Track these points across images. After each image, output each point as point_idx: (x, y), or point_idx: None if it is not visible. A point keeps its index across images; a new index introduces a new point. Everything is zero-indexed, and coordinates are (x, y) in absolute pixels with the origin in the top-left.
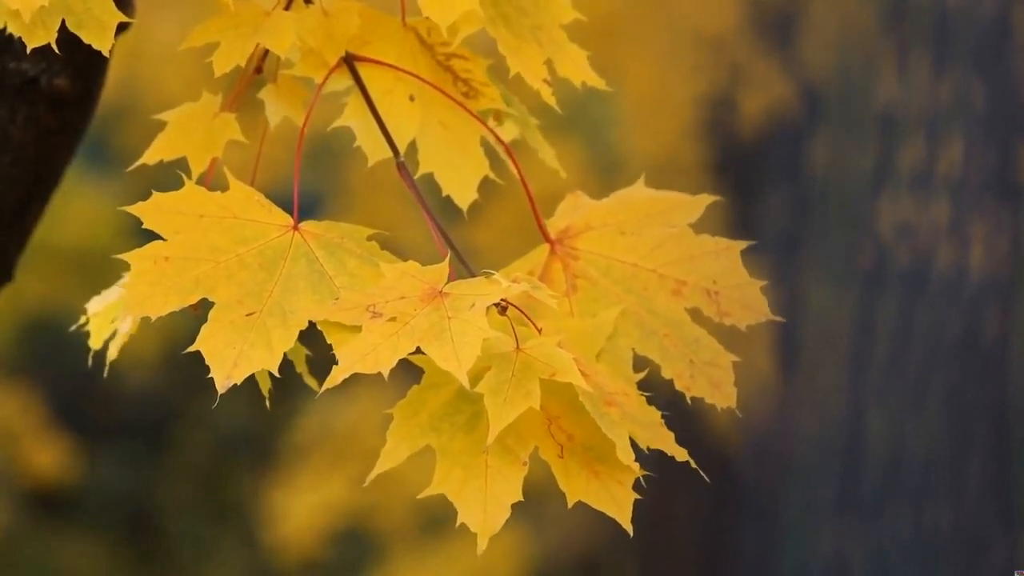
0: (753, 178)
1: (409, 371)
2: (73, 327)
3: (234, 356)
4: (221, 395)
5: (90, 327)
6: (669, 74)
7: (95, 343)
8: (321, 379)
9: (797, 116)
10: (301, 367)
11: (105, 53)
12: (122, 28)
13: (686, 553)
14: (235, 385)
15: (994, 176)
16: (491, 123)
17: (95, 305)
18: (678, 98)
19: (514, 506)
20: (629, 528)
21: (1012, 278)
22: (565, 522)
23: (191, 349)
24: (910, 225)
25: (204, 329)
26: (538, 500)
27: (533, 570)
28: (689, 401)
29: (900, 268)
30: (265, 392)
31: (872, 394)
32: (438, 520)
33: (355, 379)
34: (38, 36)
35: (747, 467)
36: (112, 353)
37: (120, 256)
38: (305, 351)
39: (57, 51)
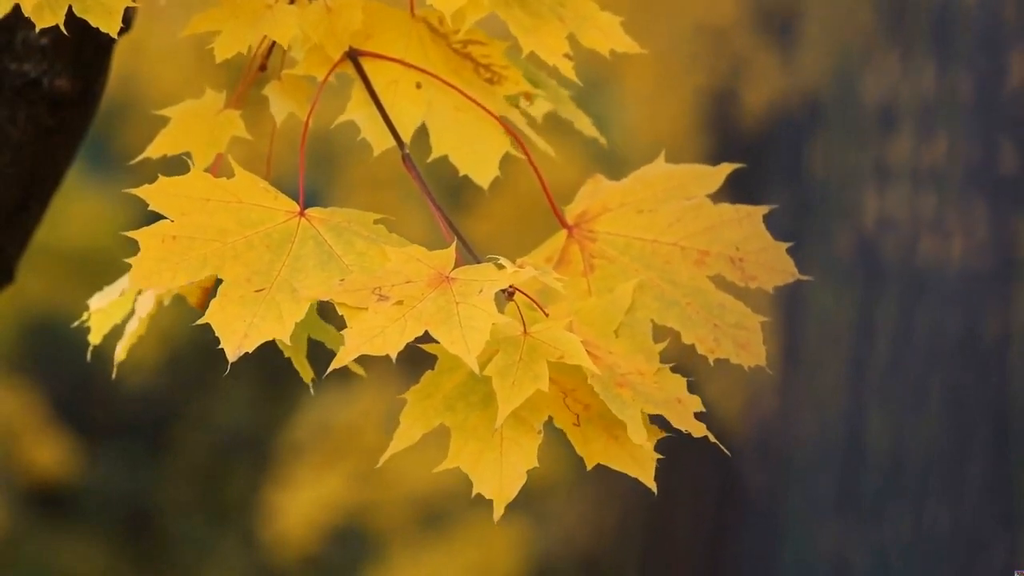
0: (754, 176)
1: (410, 369)
2: (75, 324)
3: (244, 328)
4: (225, 389)
5: (91, 323)
6: (670, 68)
7: (95, 338)
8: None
9: (798, 113)
10: (336, 347)
11: (114, 35)
12: (126, 27)
13: (686, 552)
14: (237, 382)
15: (995, 175)
16: (523, 104)
17: (97, 301)
18: (679, 94)
19: (514, 503)
20: (653, 486)
21: (1012, 277)
22: (565, 519)
23: (200, 322)
24: (911, 224)
25: (213, 304)
26: (538, 498)
27: (533, 567)
28: (712, 363)
29: (901, 267)
30: (307, 380)
31: (872, 394)
32: (437, 517)
33: (355, 376)
34: (46, 18)
35: (747, 467)
36: (120, 354)
37: (128, 233)
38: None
39: (65, 32)
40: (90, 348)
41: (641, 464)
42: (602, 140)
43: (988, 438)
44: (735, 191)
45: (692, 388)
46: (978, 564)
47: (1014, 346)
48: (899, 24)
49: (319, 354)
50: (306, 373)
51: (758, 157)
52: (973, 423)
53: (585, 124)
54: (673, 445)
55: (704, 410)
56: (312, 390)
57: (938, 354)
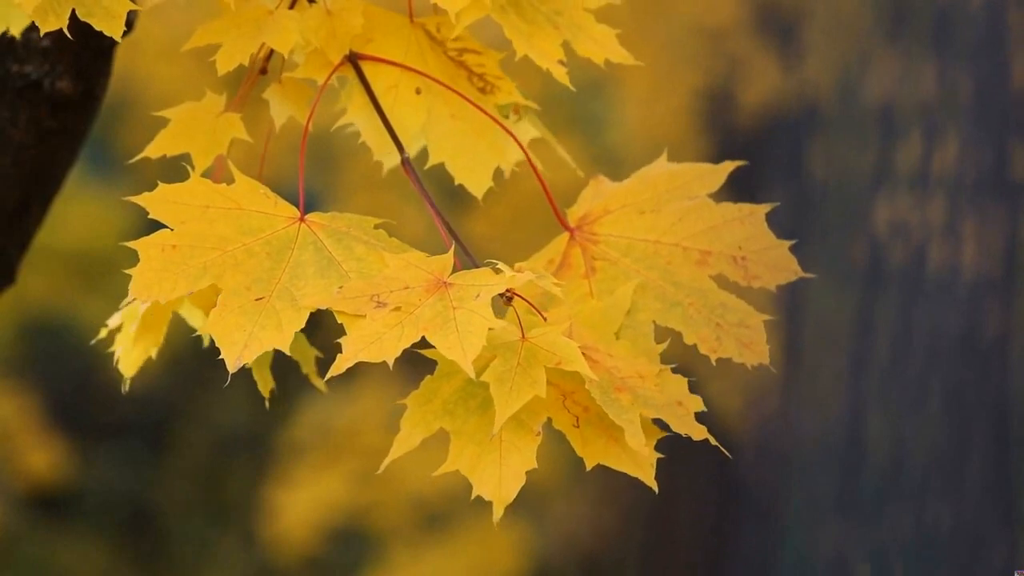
0: (753, 177)
1: (412, 369)
2: (93, 341)
3: (244, 338)
4: (225, 388)
5: (115, 347)
6: (669, 69)
7: (127, 369)
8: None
9: (797, 114)
10: (309, 368)
11: (117, 39)
12: (128, 27)
13: (686, 552)
14: (237, 382)
15: (994, 175)
16: (512, 117)
17: (116, 320)
18: (678, 94)
19: (515, 504)
20: (654, 485)
21: (1011, 277)
22: (566, 520)
23: (201, 332)
24: (910, 225)
25: (213, 313)
26: (539, 498)
27: (533, 568)
28: (714, 363)
29: (900, 268)
30: (266, 393)
31: (872, 394)
32: (437, 518)
33: (356, 377)
34: (50, 22)
35: (748, 467)
36: (130, 370)
37: (127, 244)
38: (315, 352)
39: (70, 36)
40: (126, 381)
41: (640, 465)
42: (580, 172)
43: (988, 438)
44: (735, 192)
45: (693, 388)
46: (978, 564)
47: (1014, 346)
48: (901, 26)
49: (320, 362)
50: (265, 386)
51: (757, 158)
52: (973, 423)
53: (563, 154)
54: (674, 445)
55: (705, 409)
56: (268, 404)
57: (938, 354)
